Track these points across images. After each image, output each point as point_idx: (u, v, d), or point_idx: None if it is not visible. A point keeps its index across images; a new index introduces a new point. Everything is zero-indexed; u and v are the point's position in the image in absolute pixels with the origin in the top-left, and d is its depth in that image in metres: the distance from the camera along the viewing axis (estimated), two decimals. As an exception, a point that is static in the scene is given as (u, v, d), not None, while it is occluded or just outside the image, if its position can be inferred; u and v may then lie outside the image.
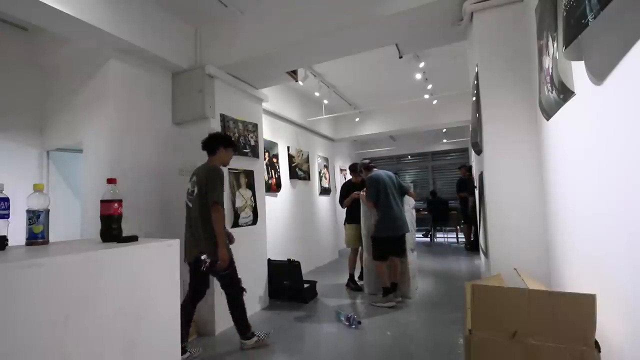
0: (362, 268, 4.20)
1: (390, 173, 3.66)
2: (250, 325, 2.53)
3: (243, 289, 2.48)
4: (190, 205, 2.38)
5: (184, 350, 2.29)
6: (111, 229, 1.31)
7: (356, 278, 4.16)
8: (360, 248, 4.09)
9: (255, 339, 2.52)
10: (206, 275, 2.40)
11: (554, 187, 1.70)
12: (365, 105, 6.29)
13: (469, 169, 6.38)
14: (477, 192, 3.31)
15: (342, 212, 4.37)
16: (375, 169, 3.67)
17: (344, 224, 4.26)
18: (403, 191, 3.63)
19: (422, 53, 4.17)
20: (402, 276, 3.57)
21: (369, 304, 3.44)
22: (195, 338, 2.74)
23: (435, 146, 9.12)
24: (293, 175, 5.08)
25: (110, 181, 1.35)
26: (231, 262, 2.38)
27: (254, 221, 3.40)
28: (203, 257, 2.24)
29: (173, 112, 3.10)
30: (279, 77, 3.50)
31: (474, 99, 2.39)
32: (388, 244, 3.43)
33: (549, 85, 1.47)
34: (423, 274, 4.52)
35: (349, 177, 4.57)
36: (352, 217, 4.04)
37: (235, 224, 3.13)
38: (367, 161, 3.77)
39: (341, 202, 4.24)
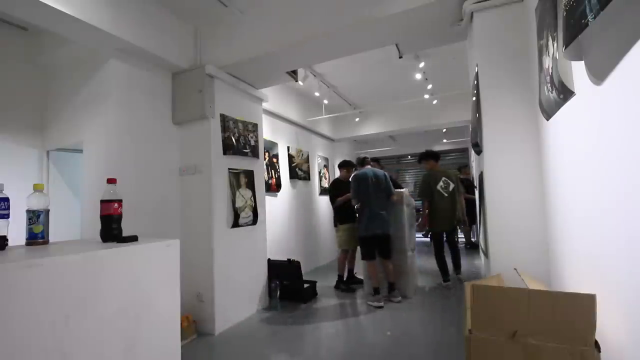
0: (349, 271, 4.16)
1: (380, 172, 3.62)
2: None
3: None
4: (446, 195, 3.93)
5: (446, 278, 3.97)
6: (111, 229, 1.31)
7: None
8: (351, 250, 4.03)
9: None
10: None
11: (553, 187, 1.70)
12: (365, 105, 6.29)
13: (460, 168, 6.35)
14: (477, 192, 3.31)
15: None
16: (368, 166, 3.67)
17: (336, 225, 4.09)
18: (388, 192, 3.55)
19: (422, 53, 4.17)
20: (402, 276, 3.57)
21: (366, 303, 3.45)
22: (195, 338, 2.74)
23: (435, 146, 9.10)
24: (293, 175, 5.08)
25: (110, 181, 1.35)
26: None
27: (254, 221, 3.40)
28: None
29: (173, 112, 3.10)
30: (279, 77, 3.50)
31: (474, 99, 2.38)
32: (371, 244, 3.44)
33: (549, 85, 1.47)
34: (423, 274, 4.52)
35: None
36: (346, 217, 3.92)
37: (235, 224, 3.13)
38: (363, 156, 3.78)
39: (333, 200, 4.07)
